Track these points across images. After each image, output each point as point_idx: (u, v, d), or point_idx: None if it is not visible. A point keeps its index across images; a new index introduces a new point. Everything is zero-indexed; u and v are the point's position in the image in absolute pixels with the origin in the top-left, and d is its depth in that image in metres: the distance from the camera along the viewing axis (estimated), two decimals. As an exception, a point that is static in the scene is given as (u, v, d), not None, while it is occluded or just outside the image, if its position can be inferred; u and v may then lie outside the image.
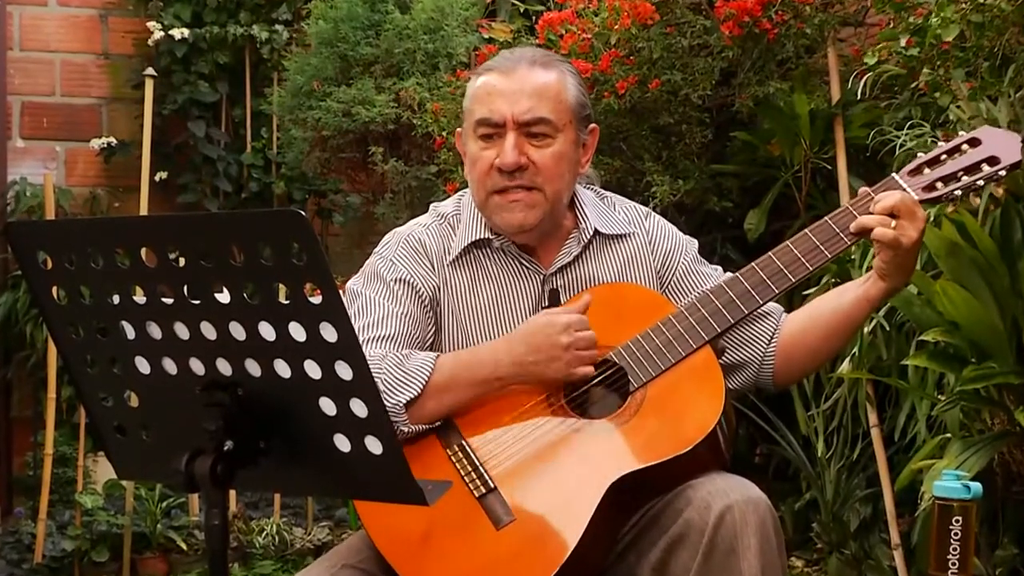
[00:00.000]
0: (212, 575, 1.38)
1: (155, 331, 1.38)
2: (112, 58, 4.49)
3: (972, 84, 2.59)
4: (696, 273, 2.07)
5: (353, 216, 4.48)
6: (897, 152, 2.77)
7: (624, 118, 3.25)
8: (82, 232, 1.43)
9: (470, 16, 3.92)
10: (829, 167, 3.26)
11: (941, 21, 2.51)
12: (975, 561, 2.16)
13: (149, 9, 4.34)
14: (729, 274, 2.00)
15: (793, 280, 1.94)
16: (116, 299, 1.38)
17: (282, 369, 1.34)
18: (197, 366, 1.38)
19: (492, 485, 1.83)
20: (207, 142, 4.40)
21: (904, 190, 1.92)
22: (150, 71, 3.97)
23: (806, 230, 1.95)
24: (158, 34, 4.29)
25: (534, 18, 3.70)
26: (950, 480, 1.78)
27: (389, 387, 1.83)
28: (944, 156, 1.95)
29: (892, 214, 1.87)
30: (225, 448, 1.35)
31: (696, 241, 2.13)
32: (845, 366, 2.81)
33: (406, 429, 1.85)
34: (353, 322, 1.35)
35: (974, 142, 1.95)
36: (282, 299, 1.31)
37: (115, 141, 4.40)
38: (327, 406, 1.34)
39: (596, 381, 1.90)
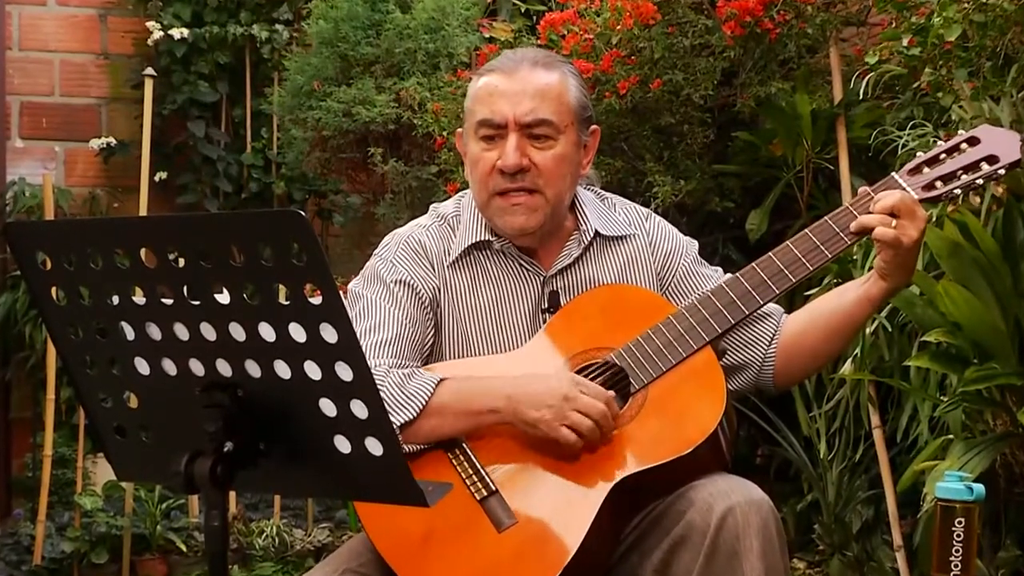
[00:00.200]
0: (212, 577, 1.38)
1: (155, 332, 1.38)
2: (112, 58, 4.48)
3: (974, 84, 2.58)
4: (696, 274, 2.07)
5: (353, 216, 4.47)
6: (899, 152, 2.76)
7: (625, 118, 3.24)
8: (81, 232, 1.42)
9: (471, 16, 3.91)
10: (831, 167, 3.25)
11: (943, 21, 2.50)
12: (978, 563, 2.16)
13: (149, 9, 4.32)
14: (729, 275, 2.00)
15: (793, 280, 1.93)
16: (115, 300, 1.38)
17: (282, 370, 1.34)
18: (197, 367, 1.37)
19: (494, 488, 1.83)
20: (207, 142, 4.39)
21: (904, 189, 1.92)
22: (150, 71, 3.96)
23: (806, 230, 1.95)
24: (158, 34, 4.28)
25: (535, 18, 3.70)
26: (952, 481, 1.77)
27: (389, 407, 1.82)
28: (943, 155, 1.95)
29: (892, 213, 1.86)
30: (225, 449, 1.35)
31: (696, 242, 2.13)
32: (847, 367, 2.80)
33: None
34: (354, 325, 1.34)
35: (973, 141, 1.95)
36: (282, 300, 1.30)
37: (114, 141, 4.38)
38: (327, 407, 1.34)
39: (597, 382, 1.89)
